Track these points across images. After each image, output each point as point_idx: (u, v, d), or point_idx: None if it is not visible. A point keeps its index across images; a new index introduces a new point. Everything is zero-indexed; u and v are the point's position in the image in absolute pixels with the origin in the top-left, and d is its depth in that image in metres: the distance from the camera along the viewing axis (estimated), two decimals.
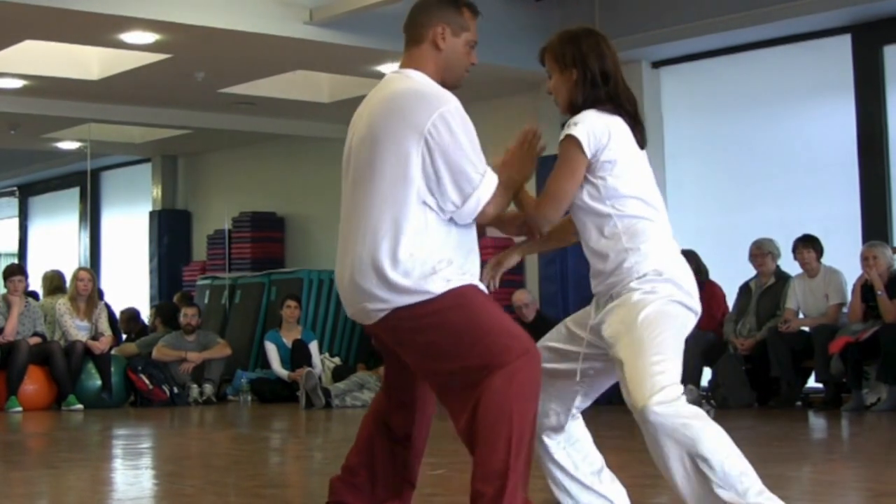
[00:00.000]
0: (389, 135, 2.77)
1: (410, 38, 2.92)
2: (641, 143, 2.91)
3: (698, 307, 2.85)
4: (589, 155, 2.80)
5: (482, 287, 2.82)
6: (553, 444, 3.02)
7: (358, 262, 2.79)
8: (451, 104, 2.76)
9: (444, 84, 2.88)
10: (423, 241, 2.73)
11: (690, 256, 7.89)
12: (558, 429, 3.02)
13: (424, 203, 2.74)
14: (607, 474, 3.07)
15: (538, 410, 2.84)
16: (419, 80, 2.84)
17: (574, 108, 2.90)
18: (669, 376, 2.67)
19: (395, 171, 2.75)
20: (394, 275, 2.71)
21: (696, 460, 2.61)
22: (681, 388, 2.70)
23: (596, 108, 2.85)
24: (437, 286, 2.70)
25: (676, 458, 2.63)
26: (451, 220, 2.78)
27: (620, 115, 2.85)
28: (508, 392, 2.62)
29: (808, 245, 7.56)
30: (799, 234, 7.71)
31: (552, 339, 3.01)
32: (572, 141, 2.80)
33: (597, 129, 2.81)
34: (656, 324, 2.73)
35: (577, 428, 3.07)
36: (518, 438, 2.62)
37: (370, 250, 2.77)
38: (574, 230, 3.00)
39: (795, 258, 7.66)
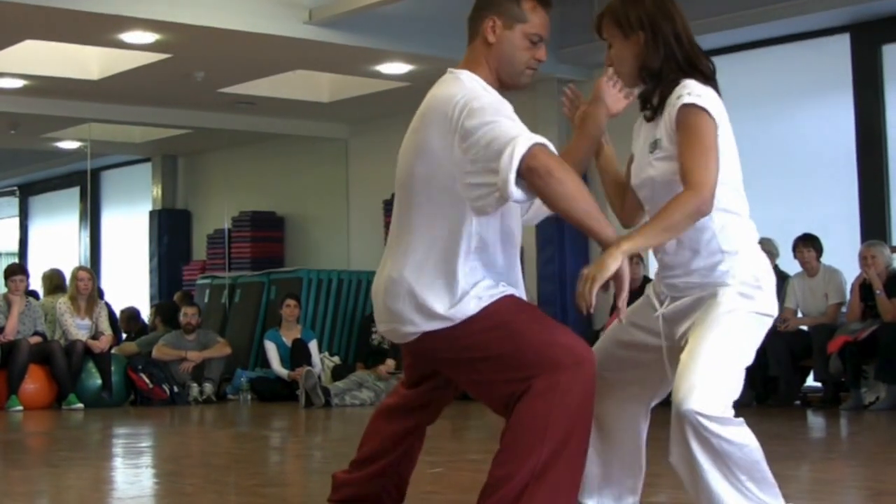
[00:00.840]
0: (420, 144, 2.61)
1: (469, 34, 2.71)
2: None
3: (775, 310, 2.63)
4: (716, 124, 2.50)
5: (519, 294, 2.64)
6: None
7: (389, 282, 2.64)
8: (475, 95, 2.55)
9: (502, 84, 2.68)
10: (454, 260, 2.56)
11: None
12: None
13: (459, 212, 2.55)
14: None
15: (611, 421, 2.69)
16: (465, 81, 2.62)
17: (649, 76, 2.62)
18: (731, 395, 2.46)
19: (428, 185, 2.59)
20: (422, 296, 2.57)
21: (724, 473, 2.44)
22: (730, 405, 2.47)
23: (694, 81, 2.55)
24: (470, 308, 2.55)
25: (706, 466, 2.44)
26: (487, 226, 2.57)
27: (713, 87, 2.59)
28: (550, 397, 2.46)
29: (808, 244, 7.57)
30: (798, 234, 7.71)
31: (618, 333, 2.75)
32: (703, 113, 2.49)
33: (714, 101, 2.53)
34: (744, 336, 2.53)
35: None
36: (551, 448, 2.46)
37: (401, 270, 2.62)
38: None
39: (795, 257, 7.67)
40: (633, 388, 2.79)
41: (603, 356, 2.73)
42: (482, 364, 2.57)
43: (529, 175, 2.43)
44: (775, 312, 2.62)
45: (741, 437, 2.44)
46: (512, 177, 2.42)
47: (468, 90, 2.57)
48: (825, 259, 7.65)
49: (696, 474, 2.44)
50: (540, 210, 2.83)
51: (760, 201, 9.51)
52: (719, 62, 8.75)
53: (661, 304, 2.66)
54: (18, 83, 9.30)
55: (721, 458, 2.41)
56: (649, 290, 2.74)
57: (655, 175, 2.62)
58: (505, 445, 2.53)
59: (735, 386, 2.47)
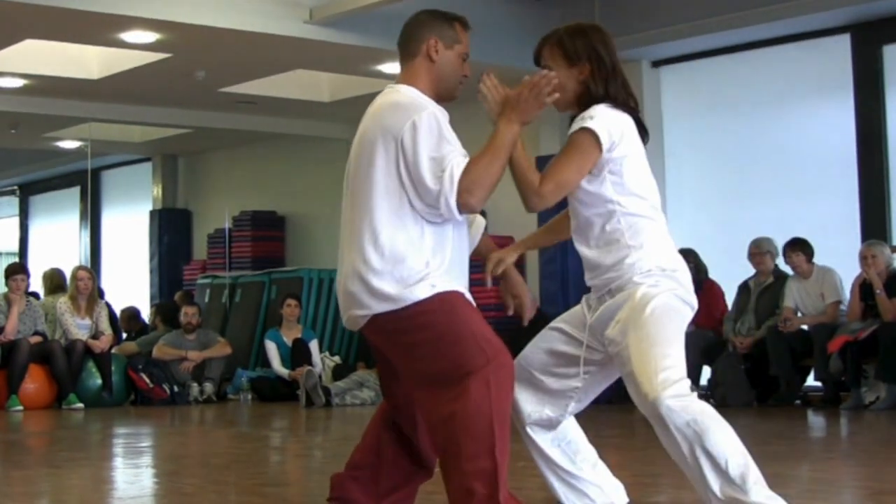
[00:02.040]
0: (373, 146, 2.85)
1: (405, 53, 2.99)
2: (644, 140, 2.92)
3: (695, 303, 2.88)
4: (603, 150, 2.78)
5: (468, 296, 2.85)
6: (545, 441, 3.04)
7: (348, 270, 2.88)
8: (424, 111, 2.81)
9: (439, 96, 2.94)
10: (409, 248, 2.79)
11: (690, 255, 7.93)
12: (550, 428, 3.04)
13: (412, 209, 2.80)
14: (602, 468, 3.11)
15: (531, 410, 2.95)
16: (405, 93, 2.91)
17: (584, 103, 2.86)
18: (678, 370, 2.70)
19: (380, 181, 2.83)
20: (377, 282, 2.79)
21: (702, 455, 2.65)
22: (688, 382, 2.73)
23: (607, 104, 2.82)
24: (423, 292, 2.77)
25: (686, 451, 2.67)
26: (443, 222, 2.81)
27: (628, 112, 2.85)
28: (487, 396, 2.69)
29: (795, 249, 7.57)
30: (798, 233, 7.72)
31: (547, 341, 3.02)
32: (589, 134, 2.77)
33: (612, 124, 2.79)
34: (663, 317, 2.75)
35: (570, 426, 3.09)
36: (501, 440, 2.69)
37: (356, 258, 2.86)
38: (564, 231, 3.03)
39: (786, 262, 7.68)
40: (549, 382, 3.01)
41: (534, 364, 2.99)
42: (422, 345, 2.77)
43: (467, 209, 2.79)
44: (689, 298, 2.84)
45: (700, 409, 2.69)
46: (453, 201, 2.75)
47: (413, 105, 2.83)
48: (825, 259, 7.65)
49: (683, 458, 2.68)
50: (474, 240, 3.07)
51: (760, 201, 9.54)
52: (720, 62, 8.76)
53: (590, 307, 2.91)
54: (19, 83, 9.30)
55: (700, 435, 2.65)
56: (583, 299, 2.97)
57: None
58: (465, 460, 2.69)
59: (683, 365, 2.72)
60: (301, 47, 8.13)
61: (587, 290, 2.97)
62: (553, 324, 3.05)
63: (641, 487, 3.65)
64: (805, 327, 7.62)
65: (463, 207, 2.75)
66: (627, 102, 2.87)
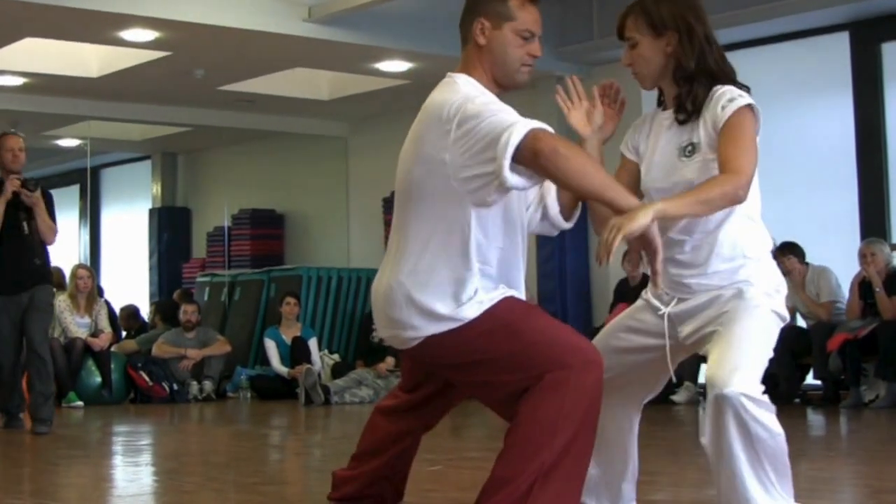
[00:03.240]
0: (417, 148, 2.60)
1: (461, 38, 2.70)
2: None
3: (789, 319, 2.70)
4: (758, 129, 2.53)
5: (519, 295, 2.63)
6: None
7: (388, 289, 2.62)
8: (469, 98, 2.54)
9: (499, 85, 2.68)
10: (455, 264, 2.55)
11: None
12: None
13: (457, 214, 2.54)
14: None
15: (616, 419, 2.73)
16: (459, 83, 2.62)
17: (683, 78, 2.59)
18: (761, 377, 2.49)
19: (424, 189, 2.58)
20: (425, 302, 2.55)
21: (752, 460, 2.46)
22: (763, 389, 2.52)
23: (733, 85, 2.57)
24: (471, 312, 2.54)
25: (737, 449, 2.45)
26: (485, 226, 2.56)
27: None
28: (561, 394, 2.45)
29: (786, 253, 7.55)
30: (797, 231, 7.71)
31: (621, 332, 2.75)
32: (751, 112, 2.52)
33: (755, 105, 2.54)
34: (770, 329, 2.58)
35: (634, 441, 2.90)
36: (560, 447, 2.44)
37: (398, 276, 2.60)
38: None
39: (779, 267, 7.63)
40: (626, 389, 2.79)
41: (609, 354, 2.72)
42: (486, 366, 2.56)
43: (534, 158, 2.40)
44: (787, 319, 2.66)
45: (775, 423, 2.47)
46: (507, 162, 2.40)
47: (464, 94, 2.57)
48: (825, 257, 7.65)
49: (725, 455, 2.45)
50: (545, 223, 2.83)
51: (760, 199, 9.49)
52: None
53: (665, 304, 2.66)
54: (18, 81, 9.30)
55: (752, 442, 2.43)
56: (646, 292, 2.74)
57: (694, 178, 2.58)
58: (511, 443, 2.51)
59: (763, 371, 2.50)
60: (300, 45, 8.12)
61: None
62: (614, 332, 2.77)
63: (641, 485, 3.64)
64: (804, 325, 7.62)
65: (529, 159, 2.37)
66: (734, 78, 2.60)
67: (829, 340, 7.14)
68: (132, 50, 8.40)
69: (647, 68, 2.63)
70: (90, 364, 8.76)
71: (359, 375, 8.78)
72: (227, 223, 11.85)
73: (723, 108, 2.52)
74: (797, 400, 7.56)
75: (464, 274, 2.56)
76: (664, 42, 2.60)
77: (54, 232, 6.35)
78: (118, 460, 5.49)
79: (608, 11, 8.16)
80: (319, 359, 9.36)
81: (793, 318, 7.66)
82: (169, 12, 7.40)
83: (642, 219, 2.36)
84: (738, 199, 2.48)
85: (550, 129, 2.46)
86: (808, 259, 7.64)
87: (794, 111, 8.33)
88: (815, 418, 6.75)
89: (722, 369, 2.43)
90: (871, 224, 7.74)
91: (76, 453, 5.54)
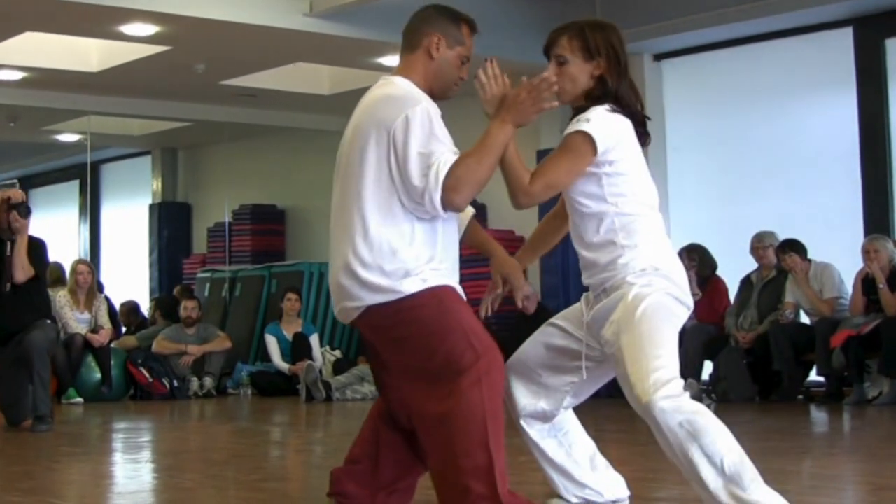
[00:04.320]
0: (365, 138, 2.83)
1: (406, 43, 2.95)
2: (645, 141, 2.91)
3: (691, 302, 2.87)
4: (598, 154, 2.77)
5: (460, 291, 2.85)
6: (539, 433, 3.05)
7: (340, 262, 2.84)
8: (418, 105, 2.77)
9: (432, 94, 2.89)
10: (399, 242, 2.77)
11: (695, 251, 7.90)
12: (545, 420, 3.05)
13: (401, 203, 2.77)
14: (601, 460, 3.11)
15: (526, 403, 2.98)
16: (400, 85, 2.87)
17: (591, 99, 2.84)
18: (670, 370, 2.69)
19: (370, 173, 2.80)
20: (367, 274, 2.77)
21: (697, 454, 2.64)
22: (681, 382, 2.72)
23: (608, 106, 2.82)
24: (413, 286, 2.76)
25: (680, 451, 2.66)
26: (431, 218, 2.80)
27: (628, 114, 2.85)
28: (480, 393, 2.69)
29: (787, 250, 7.53)
30: (800, 227, 7.69)
31: (545, 336, 3.02)
32: (585, 136, 2.76)
33: (610, 129, 2.78)
34: (655, 318, 2.74)
35: (567, 417, 3.10)
36: (495, 436, 2.68)
37: (347, 250, 2.81)
38: (557, 232, 3.09)
39: (781, 264, 7.63)
40: (545, 377, 3.03)
41: (532, 358, 3.00)
42: (412, 340, 2.77)
43: (451, 207, 2.76)
44: (684, 297, 2.82)
45: (702, 409, 2.67)
46: (437, 199, 2.72)
47: (407, 99, 2.80)
48: (829, 253, 7.63)
49: (679, 458, 2.67)
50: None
51: (762, 195, 9.52)
52: (722, 56, 8.73)
53: (589, 309, 2.91)
54: (18, 75, 9.27)
55: (694, 435, 2.63)
56: (583, 297, 2.98)
57: None
58: (460, 458, 2.68)
59: (675, 365, 2.70)
60: (301, 40, 8.10)
61: (587, 287, 2.97)
62: (552, 320, 3.06)
63: (643, 482, 3.64)
64: (807, 321, 7.60)
65: (447, 205, 2.73)
66: (634, 105, 2.86)
67: (833, 337, 7.12)
68: (132, 44, 8.37)
69: (571, 86, 2.86)
70: (90, 360, 8.74)
71: (360, 372, 8.76)
72: (227, 219, 11.83)
73: (573, 125, 2.80)
74: (800, 396, 7.54)
75: (412, 254, 2.78)
76: (593, 66, 2.85)
77: (25, 273, 6.09)
78: (118, 457, 5.48)
79: (610, 6, 8.13)
80: (321, 355, 9.35)
81: (796, 314, 7.65)
82: (169, 6, 7.37)
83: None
84: (515, 202, 2.81)
85: (449, 164, 2.72)
86: (812, 255, 7.62)
87: (798, 107, 8.31)
88: (818, 415, 6.74)
89: (634, 385, 2.66)
90: (875, 220, 7.72)
91: (76, 450, 5.53)
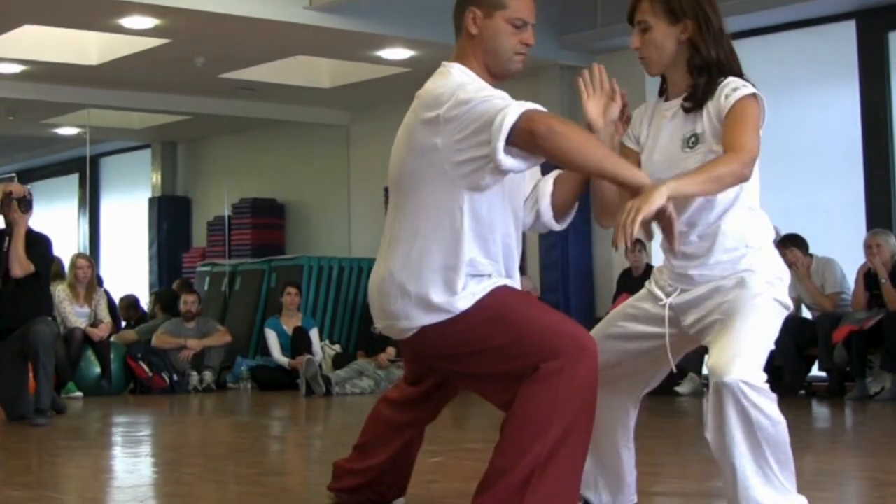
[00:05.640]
0: (409, 137, 2.60)
1: (455, 28, 2.71)
2: None
3: (792, 308, 2.69)
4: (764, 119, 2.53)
5: (513, 284, 2.62)
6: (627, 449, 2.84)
7: (382, 281, 2.63)
8: (462, 85, 2.54)
9: (492, 74, 2.65)
10: (448, 254, 2.54)
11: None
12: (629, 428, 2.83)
13: (450, 204, 2.54)
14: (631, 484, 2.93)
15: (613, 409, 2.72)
16: (452, 72, 2.61)
17: (697, 67, 2.58)
18: (762, 365, 2.47)
19: (417, 180, 2.57)
20: (419, 292, 2.55)
21: (753, 448, 2.45)
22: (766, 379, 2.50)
23: (740, 80, 2.56)
24: (464, 303, 2.53)
25: (738, 438, 2.44)
26: (477, 214, 2.54)
27: None
28: (555, 382, 2.43)
29: (789, 245, 7.51)
30: (803, 221, 7.67)
31: (620, 320, 2.75)
32: (755, 101, 2.51)
33: (760, 95, 2.55)
34: (773, 317, 2.55)
35: (630, 435, 2.90)
36: (556, 437, 2.42)
37: (391, 267, 2.61)
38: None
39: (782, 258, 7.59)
40: (624, 380, 2.78)
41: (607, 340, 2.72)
42: (480, 357, 2.56)
43: (531, 138, 2.39)
44: (791, 308, 2.64)
45: (776, 412, 2.45)
46: (501, 145, 2.40)
47: (457, 82, 2.57)
48: (831, 247, 7.61)
49: (726, 443, 2.44)
50: (538, 223, 2.80)
51: (765, 188, 9.45)
52: None
53: (668, 295, 2.65)
54: (17, 68, 9.25)
55: (753, 430, 2.42)
56: (649, 283, 2.74)
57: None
58: (507, 434, 2.49)
59: (764, 360, 2.48)
60: (301, 33, 8.07)
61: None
62: (620, 309, 2.78)
63: (643, 477, 3.60)
64: (809, 317, 7.58)
65: (531, 138, 2.35)
66: (743, 74, 2.60)
67: (835, 332, 7.10)
68: (132, 37, 8.35)
69: (657, 54, 2.61)
70: (89, 354, 8.72)
71: (360, 366, 8.75)
72: (227, 212, 11.81)
73: (726, 97, 2.52)
74: (802, 392, 7.53)
75: (456, 263, 2.55)
76: (679, 29, 2.58)
77: (22, 268, 6.04)
78: (118, 451, 5.46)
79: (611, 1, 8.10)
80: (320, 349, 9.33)
81: (798, 309, 7.63)
82: None
83: (658, 199, 2.35)
84: (744, 176, 2.46)
85: (544, 110, 2.46)
86: (814, 250, 7.60)
87: (800, 100, 8.28)
88: (820, 410, 6.72)
89: (722, 358, 2.42)
90: (877, 215, 7.70)
91: (75, 444, 5.51)
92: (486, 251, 2.60)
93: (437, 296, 2.54)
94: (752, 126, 2.48)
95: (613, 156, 2.46)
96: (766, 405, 2.42)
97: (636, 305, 2.73)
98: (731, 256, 2.57)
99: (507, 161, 2.42)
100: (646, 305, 2.70)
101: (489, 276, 2.59)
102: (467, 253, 2.56)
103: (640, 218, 2.32)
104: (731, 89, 2.53)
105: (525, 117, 2.40)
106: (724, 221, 2.57)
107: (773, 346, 2.53)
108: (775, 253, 2.65)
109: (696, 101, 2.59)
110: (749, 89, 2.53)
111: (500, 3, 2.62)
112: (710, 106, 2.56)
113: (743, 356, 2.41)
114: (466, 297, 2.54)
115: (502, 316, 2.53)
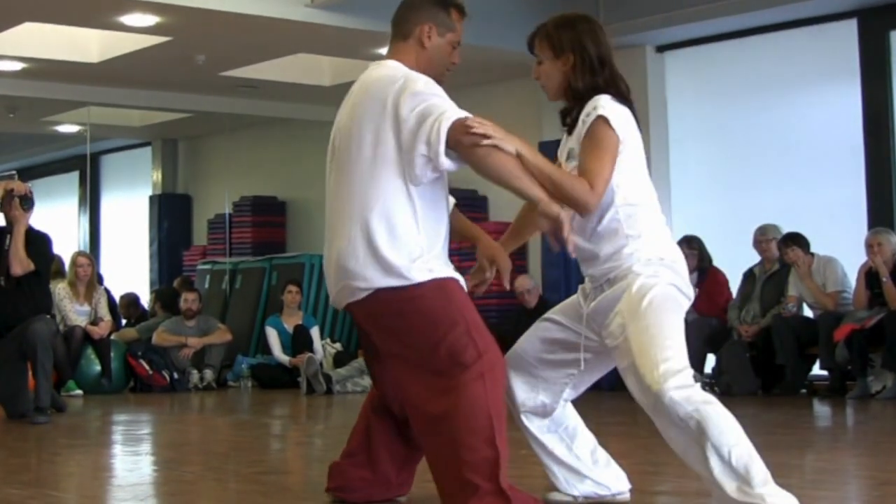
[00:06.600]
0: (366, 118, 2.82)
1: (397, 32, 3.00)
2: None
3: (692, 294, 2.89)
4: (619, 136, 2.80)
5: (462, 282, 2.85)
6: (540, 428, 3.06)
7: (346, 243, 2.81)
8: (411, 79, 2.79)
9: None
10: (408, 226, 2.76)
11: (694, 242, 7.88)
12: (545, 415, 3.05)
13: (404, 182, 2.76)
14: (602, 454, 3.11)
15: (525, 398, 2.97)
16: (394, 67, 2.90)
17: (573, 95, 2.91)
18: (680, 361, 2.68)
19: (374, 152, 2.78)
20: (382, 252, 2.74)
21: (705, 445, 2.63)
22: (691, 372, 2.71)
23: (608, 96, 2.85)
24: (421, 275, 2.74)
25: (688, 442, 2.65)
26: (427, 199, 2.79)
27: (624, 103, 2.89)
28: (483, 390, 2.68)
29: (790, 244, 7.50)
30: (804, 220, 7.66)
31: (542, 331, 3.03)
32: (605, 122, 2.79)
33: (618, 114, 2.82)
34: (662, 308, 2.74)
35: (567, 412, 3.10)
36: (500, 433, 2.68)
37: (355, 232, 2.79)
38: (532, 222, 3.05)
39: (784, 258, 7.60)
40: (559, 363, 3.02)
41: (529, 352, 2.97)
42: (415, 330, 2.75)
43: (457, 146, 2.68)
44: (686, 289, 2.84)
45: (711, 400, 2.66)
46: (441, 148, 2.68)
47: (404, 74, 2.83)
48: (832, 246, 7.60)
49: (686, 450, 2.67)
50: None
51: (766, 187, 9.49)
52: (725, 47, 8.67)
53: (588, 302, 2.91)
54: (17, 66, 9.24)
55: (703, 426, 2.62)
56: (579, 289, 2.98)
57: None
58: (464, 454, 2.66)
59: (684, 355, 2.70)
60: (302, 31, 8.06)
61: (584, 279, 2.97)
62: (547, 315, 3.07)
63: (644, 476, 3.62)
64: (811, 315, 7.57)
65: (456, 147, 2.68)
66: (625, 93, 2.90)
67: (836, 330, 7.10)
68: (133, 35, 8.34)
69: (549, 83, 2.97)
70: (90, 352, 8.72)
71: (361, 364, 8.73)
72: (228, 210, 11.81)
73: (583, 122, 2.83)
74: (803, 390, 7.52)
75: (415, 239, 2.77)
76: (562, 62, 2.93)
77: (23, 266, 6.05)
78: (118, 450, 5.46)
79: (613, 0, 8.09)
80: (321, 347, 9.33)
81: (799, 307, 7.62)
82: None
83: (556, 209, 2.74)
84: (585, 209, 2.77)
85: (470, 118, 2.71)
86: (815, 248, 7.60)
87: (802, 99, 8.28)
88: (822, 409, 6.72)
89: (642, 374, 2.66)
90: (878, 213, 7.69)
91: (75, 442, 5.51)
92: (441, 240, 2.84)
93: (399, 260, 2.73)
94: (601, 154, 2.77)
95: (522, 174, 2.72)
96: (701, 396, 2.64)
97: (565, 310, 3.02)
98: (614, 248, 2.83)
99: (445, 162, 2.72)
100: (573, 311, 2.98)
101: (446, 264, 2.82)
102: (425, 235, 2.78)
103: (567, 228, 2.73)
104: (586, 114, 2.83)
105: (456, 126, 2.68)
106: (603, 223, 2.84)
107: (680, 330, 2.75)
108: (660, 240, 2.86)
109: (566, 123, 2.95)
110: (599, 111, 2.79)
111: (451, 26, 2.98)
112: (581, 121, 2.86)
113: (658, 364, 2.64)
114: (423, 270, 2.75)
115: (446, 296, 2.76)
